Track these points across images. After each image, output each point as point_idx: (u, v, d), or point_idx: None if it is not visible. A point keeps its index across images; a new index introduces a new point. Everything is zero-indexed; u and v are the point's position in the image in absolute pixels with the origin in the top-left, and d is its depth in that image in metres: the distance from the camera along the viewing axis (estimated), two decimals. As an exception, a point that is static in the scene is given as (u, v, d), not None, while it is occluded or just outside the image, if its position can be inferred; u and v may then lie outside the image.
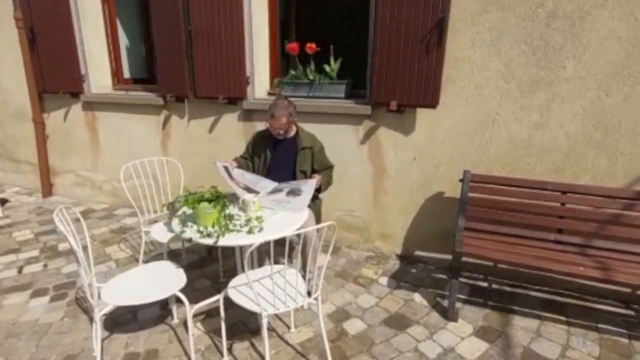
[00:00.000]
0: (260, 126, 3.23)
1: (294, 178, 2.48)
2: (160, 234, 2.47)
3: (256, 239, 1.77)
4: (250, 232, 1.82)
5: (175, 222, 1.97)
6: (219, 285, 2.65)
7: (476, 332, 2.21)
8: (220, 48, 3.08)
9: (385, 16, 2.58)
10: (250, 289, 1.85)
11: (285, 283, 1.77)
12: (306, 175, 2.50)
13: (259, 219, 1.90)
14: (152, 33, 3.30)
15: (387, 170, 2.95)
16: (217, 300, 1.92)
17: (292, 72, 3.14)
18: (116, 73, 3.96)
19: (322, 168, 2.52)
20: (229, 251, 2.98)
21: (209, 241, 1.75)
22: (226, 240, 1.75)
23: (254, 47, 3.14)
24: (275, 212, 2.01)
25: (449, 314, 2.32)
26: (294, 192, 2.20)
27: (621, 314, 2.38)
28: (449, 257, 2.87)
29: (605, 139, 2.40)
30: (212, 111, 3.39)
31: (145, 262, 2.70)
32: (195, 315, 2.33)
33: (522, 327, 2.26)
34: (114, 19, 3.87)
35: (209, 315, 2.35)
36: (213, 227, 1.82)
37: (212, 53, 3.11)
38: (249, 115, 3.27)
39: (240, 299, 1.79)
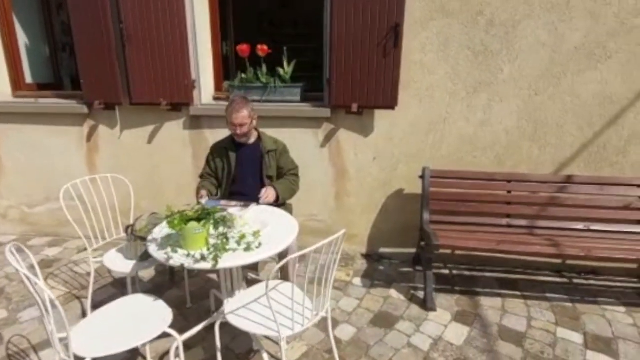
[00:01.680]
0: (211, 134, 3.01)
1: (262, 185, 2.36)
2: (116, 263, 2.14)
3: (258, 256, 1.64)
4: (248, 249, 1.67)
5: (153, 248, 1.72)
6: (187, 312, 2.39)
7: (455, 318, 2.36)
8: (160, 48, 2.78)
9: (342, 22, 2.60)
10: (251, 311, 1.71)
11: (291, 299, 1.67)
12: (273, 181, 2.40)
13: (256, 234, 1.76)
14: (73, 32, 2.83)
15: (348, 171, 2.98)
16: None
17: (243, 75, 2.98)
18: (16, 78, 3.30)
19: (287, 169, 2.45)
20: (193, 272, 2.73)
21: (205, 265, 1.57)
22: (226, 262, 1.59)
23: (199, 48, 2.90)
24: (265, 225, 1.88)
25: (427, 305, 2.44)
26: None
27: (559, 282, 2.77)
28: (411, 250, 3.04)
29: (535, 132, 2.75)
30: (152, 119, 3.04)
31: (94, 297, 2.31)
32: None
33: (489, 306, 2.48)
34: (10, 14, 3.22)
35: (186, 347, 2.11)
36: (208, 249, 1.63)
37: (151, 54, 2.79)
38: (196, 122, 3.01)
39: (245, 325, 1.64)
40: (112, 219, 2.41)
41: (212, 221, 1.69)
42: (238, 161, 2.38)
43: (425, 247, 2.54)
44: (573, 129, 2.70)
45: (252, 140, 2.40)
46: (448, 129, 2.81)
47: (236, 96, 2.35)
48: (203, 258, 1.59)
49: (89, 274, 2.80)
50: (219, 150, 2.42)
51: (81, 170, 3.20)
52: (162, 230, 1.89)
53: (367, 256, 3.11)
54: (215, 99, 3.14)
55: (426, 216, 2.67)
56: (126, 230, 2.12)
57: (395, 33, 2.57)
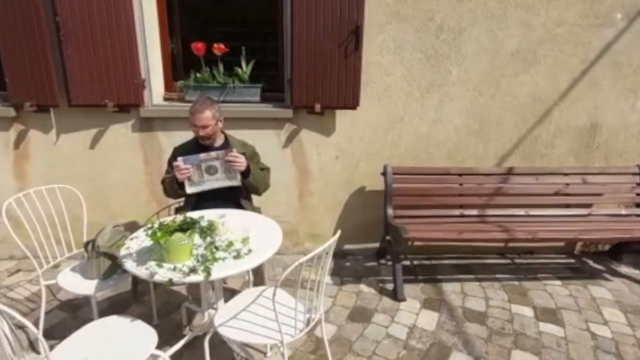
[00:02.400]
0: (165, 137, 2.82)
1: (231, 188, 2.28)
2: (74, 283, 1.91)
3: (251, 263, 1.59)
4: (238, 257, 1.61)
5: (130, 265, 1.57)
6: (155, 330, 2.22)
7: (424, 306, 2.51)
8: (105, 45, 2.53)
9: (302, 24, 2.59)
10: (242, 320, 1.65)
11: (282, 305, 1.65)
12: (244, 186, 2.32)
13: (244, 240, 1.69)
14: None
15: (311, 171, 3.00)
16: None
17: (198, 75, 2.83)
18: None
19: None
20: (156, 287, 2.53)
21: (197, 278, 1.47)
22: (219, 272, 1.51)
23: (148, 44, 2.69)
24: (248, 231, 1.82)
25: (398, 296, 2.56)
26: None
27: (504, 264, 3.08)
28: (374, 245, 3.15)
29: (480, 130, 3.02)
30: (95, 121, 2.76)
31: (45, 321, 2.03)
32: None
33: (451, 291, 2.68)
34: None
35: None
36: (198, 260, 1.53)
37: (94, 51, 2.53)
38: (148, 124, 2.79)
39: (238, 335, 1.58)
40: (61, 235, 2.15)
41: (197, 230, 1.60)
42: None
43: (393, 241, 2.66)
44: (511, 125, 3.01)
45: (218, 143, 2.29)
46: (405, 128, 2.96)
47: (201, 97, 2.23)
48: (193, 270, 1.50)
49: (29, 299, 2.48)
50: (183, 153, 2.26)
51: (7, 181, 2.80)
52: (141, 243, 1.73)
53: (333, 254, 3.15)
54: (166, 99, 2.95)
55: (390, 211, 2.79)
56: (86, 247, 1.91)
57: (356, 35, 2.63)
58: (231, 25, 3.47)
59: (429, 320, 2.37)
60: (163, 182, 2.30)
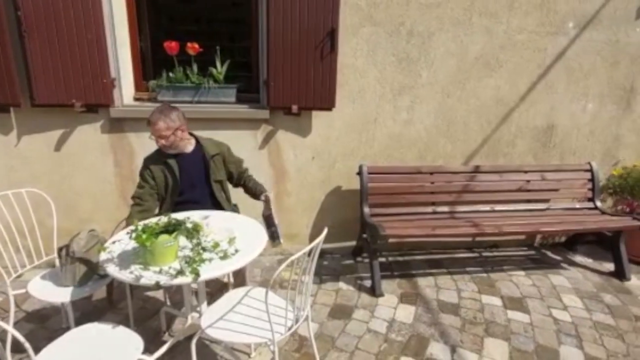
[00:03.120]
0: (137, 138, 2.74)
1: (211, 192, 2.26)
2: (46, 291, 1.82)
3: (238, 263, 1.59)
4: (225, 257, 1.61)
5: (113, 269, 1.52)
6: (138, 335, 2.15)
7: (401, 300, 2.60)
8: (72, 42, 2.42)
9: (278, 26, 2.61)
10: (229, 321, 1.65)
11: (269, 304, 1.66)
12: (222, 185, 2.31)
13: (231, 241, 1.69)
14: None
15: (288, 172, 3.02)
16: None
17: (170, 74, 2.77)
18: None
19: (237, 168, 2.36)
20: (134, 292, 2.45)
21: (185, 280, 1.46)
22: (207, 273, 1.50)
23: (117, 42, 2.61)
24: (232, 232, 1.81)
25: (376, 291, 2.63)
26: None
27: (472, 257, 3.24)
28: (351, 243, 3.22)
29: (448, 130, 3.16)
30: (61, 122, 2.62)
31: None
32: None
33: (425, 285, 2.80)
34: None
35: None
36: (187, 262, 1.51)
37: (60, 49, 2.41)
38: (118, 125, 2.70)
39: (227, 336, 1.57)
40: (29, 242, 2.04)
41: (185, 232, 1.58)
42: (182, 169, 2.18)
43: (370, 238, 2.73)
44: (476, 126, 3.18)
45: (189, 149, 2.20)
46: (378, 128, 3.05)
47: (160, 105, 2.10)
48: (180, 272, 1.48)
49: (-8, 311, 2.32)
50: (155, 162, 2.16)
51: (-40, 186, 2.59)
52: (123, 246, 1.68)
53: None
54: (137, 99, 2.86)
55: (366, 210, 2.86)
56: (59, 252, 1.83)
57: (331, 37, 2.69)
58: (201, 24, 3.42)
59: (406, 313, 2.46)
60: (133, 198, 2.13)
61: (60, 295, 1.80)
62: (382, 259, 3.15)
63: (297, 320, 1.67)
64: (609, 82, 3.17)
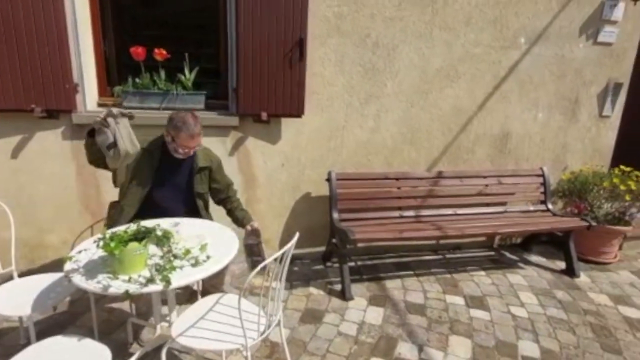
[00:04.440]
0: (101, 144, 2.65)
1: (193, 201, 2.24)
2: (4, 306, 1.73)
3: (210, 269, 1.59)
4: (196, 264, 1.60)
5: (79, 279, 1.48)
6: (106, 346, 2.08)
7: (370, 302, 2.67)
8: (32, 45, 2.34)
9: (248, 34, 2.64)
10: (201, 329, 1.64)
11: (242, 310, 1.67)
12: (203, 198, 2.29)
13: (203, 247, 1.68)
14: None
15: (258, 178, 3.03)
16: None
17: (137, 80, 2.73)
18: None
19: (225, 184, 2.36)
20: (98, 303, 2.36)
21: (156, 288, 1.44)
22: (179, 280, 1.49)
23: (81, 46, 2.54)
24: (204, 238, 1.81)
25: (346, 295, 2.69)
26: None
27: (437, 259, 3.38)
28: (320, 249, 3.27)
29: (413, 137, 3.30)
30: (18, 128, 2.51)
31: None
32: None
33: (393, 287, 2.88)
34: None
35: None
36: (157, 269, 1.50)
37: (18, 52, 2.32)
38: (81, 131, 2.60)
39: (199, 343, 1.57)
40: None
41: (155, 239, 1.56)
42: (160, 172, 2.14)
43: (339, 243, 2.79)
44: (438, 134, 3.34)
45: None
46: (347, 135, 3.14)
47: (184, 113, 2.07)
48: (151, 280, 1.46)
49: (-63, 331, 2.16)
50: (147, 153, 2.12)
51: None
52: (90, 255, 1.63)
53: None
54: (101, 105, 2.78)
55: (336, 215, 2.92)
56: (104, 121, 1.83)
57: (300, 47, 2.75)
58: (169, 29, 3.38)
59: (375, 315, 2.53)
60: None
61: (18, 308, 1.72)
62: (352, 263, 3.22)
63: (269, 326, 1.69)
64: (556, 94, 3.44)
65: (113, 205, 2.24)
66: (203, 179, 2.25)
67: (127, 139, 1.90)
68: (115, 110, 1.87)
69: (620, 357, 2.21)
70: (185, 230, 1.87)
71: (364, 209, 3.07)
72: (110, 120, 1.84)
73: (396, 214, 3.14)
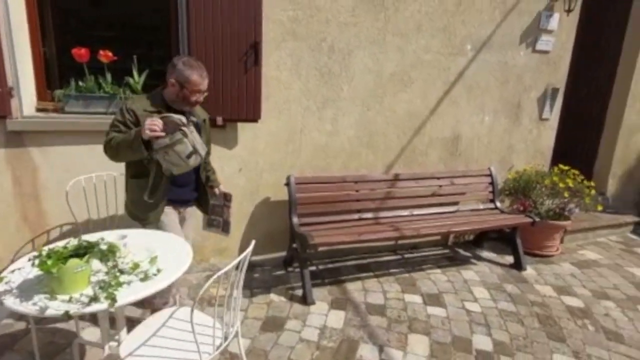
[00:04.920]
0: (40, 153, 2.48)
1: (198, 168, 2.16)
2: None
3: (160, 284, 1.52)
4: (145, 278, 1.52)
5: (12, 301, 1.36)
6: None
7: (332, 306, 2.68)
8: (-45, 45, 2.13)
9: (201, 37, 2.57)
10: (152, 347, 1.56)
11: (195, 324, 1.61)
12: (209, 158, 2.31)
13: (152, 260, 1.60)
14: None
15: (214, 185, 2.95)
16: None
17: (81, 83, 2.56)
18: None
19: (208, 145, 2.29)
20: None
21: (100, 307, 1.35)
22: (126, 297, 1.41)
23: (15, 47, 2.34)
24: (153, 251, 1.72)
25: (307, 300, 2.67)
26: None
27: (395, 259, 3.45)
28: (281, 254, 3.23)
29: (370, 141, 3.36)
30: (-59, 136, 2.27)
31: None
32: None
33: (354, 289, 2.91)
34: None
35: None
36: (101, 287, 1.40)
37: (-61, 51, 2.10)
38: (17, 138, 2.41)
39: (153, 361, 1.49)
40: None
41: (98, 255, 1.46)
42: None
43: (300, 248, 2.77)
44: (394, 137, 3.42)
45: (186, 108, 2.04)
46: (304, 139, 3.13)
47: (180, 57, 1.96)
48: (94, 299, 1.37)
49: None
50: (143, 112, 1.91)
51: None
52: (25, 275, 1.50)
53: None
54: (40, 110, 2.58)
55: (295, 220, 2.91)
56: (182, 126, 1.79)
57: (255, 50, 2.72)
58: (117, 30, 3.22)
59: (337, 319, 2.54)
60: (109, 142, 1.90)
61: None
62: (313, 267, 3.21)
63: (226, 338, 1.64)
64: (501, 99, 3.64)
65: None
66: (204, 136, 2.14)
67: (199, 143, 1.91)
68: (179, 118, 1.85)
69: (564, 344, 2.37)
70: (133, 243, 1.77)
71: (323, 212, 3.08)
72: (185, 129, 1.83)
73: (355, 216, 3.17)
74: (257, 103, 2.81)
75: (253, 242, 1.65)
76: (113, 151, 1.90)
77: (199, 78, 1.93)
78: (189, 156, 1.87)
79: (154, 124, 1.77)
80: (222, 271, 1.43)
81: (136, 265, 1.57)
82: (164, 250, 1.75)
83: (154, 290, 1.50)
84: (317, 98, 3.09)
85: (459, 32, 3.32)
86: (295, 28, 2.90)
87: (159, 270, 1.58)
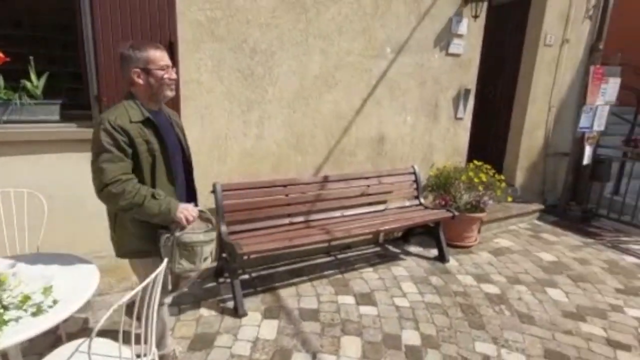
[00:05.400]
0: None
1: (190, 167, 1.97)
2: None
3: (56, 317, 1.33)
4: (38, 313, 1.32)
5: None
6: None
7: (265, 316, 2.60)
8: None
9: (108, 35, 2.35)
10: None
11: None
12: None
13: (46, 290, 1.39)
14: None
15: (130, 197, 2.71)
16: None
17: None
18: None
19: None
20: None
21: (-22, 352, 1.15)
22: (13, 337, 1.21)
23: None
24: (51, 278, 1.51)
25: (239, 312, 2.57)
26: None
27: (329, 261, 3.46)
28: (211, 265, 3.06)
29: (298, 143, 3.33)
30: None
31: None
32: None
33: (288, 295, 2.86)
34: None
35: None
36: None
37: None
38: None
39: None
40: None
41: (-24, 290, 1.24)
42: (163, 139, 1.71)
43: (229, 257, 2.65)
44: (322, 139, 3.43)
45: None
46: (230, 144, 3.01)
47: (125, 44, 1.69)
48: (-29, 343, 1.16)
49: None
50: (132, 124, 1.61)
51: None
52: None
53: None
54: None
55: (224, 228, 2.78)
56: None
57: (171, 51, 2.53)
58: (16, 29, 2.82)
59: (270, 329, 2.46)
60: (118, 190, 1.55)
61: None
62: (246, 276, 3.10)
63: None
64: (420, 99, 3.83)
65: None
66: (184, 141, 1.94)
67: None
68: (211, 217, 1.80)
69: (484, 331, 2.54)
70: (25, 272, 1.54)
71: (252, 219, 2.98)
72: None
73: (286, 220, 3.12)
74: (176, 107, 2.62)
75: (165, 261, 1.52)
76: (120, 202, 1.56)
77: (157, 50, 1.67)
78: (205, 259, 1.71)
79: (191, 213, 1.64)
80: (123, 300, 1.27)
81: (26, 298, 1.36)
82: (64, 276, 1.56)
83: (50, 326, 1.31)
84: (241, 101, 2.98)
85: (378, 35, 3.42)
86: (214, 28, 2.77)
87: (55, 302, 1.39)
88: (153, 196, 1.60)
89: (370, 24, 3.36)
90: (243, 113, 3.01)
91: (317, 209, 3.28)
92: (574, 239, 4.18)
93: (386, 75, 3.55)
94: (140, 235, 1.72)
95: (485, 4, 3.79)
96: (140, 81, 1.66)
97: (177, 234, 1.64)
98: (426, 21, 3.62)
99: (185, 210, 1.65)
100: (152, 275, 1.39)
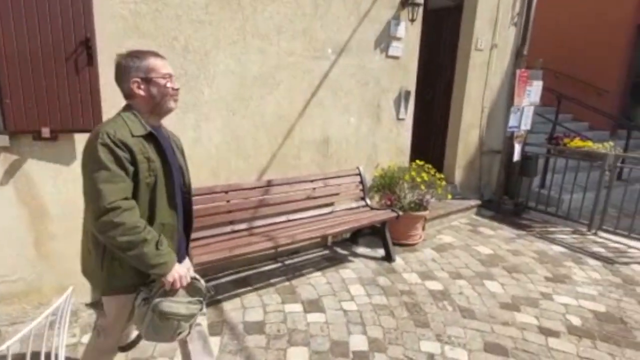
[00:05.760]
0: None
1: (189, 195, 1.75)
2: None
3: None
4: None
5: None
6: None
7: (205, 332, 2.43)
8: None
9: (8, 32, 2.07)
10: None
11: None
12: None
13: None
14: None
15: (48, 210, 2.42)
16: None
17: None
18: None
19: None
20: None
21: None
22: None
23: None
24: None
25: (176, 331, 2.37)
26: None
27: (276, 267, 3.35)
28: (144, 281, 2.82)
29: (238, 147, 3.18)
30: None
31: None
32: None
33: (231, 308, 2.71)
34: None
35: None
36: None
37: None
38: None
39: None
40: None
41: None
42: (166, 156, 1.52)
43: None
44: (264, 142, 3.31)
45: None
46: (163, 150, 2.79)
47: (122, 54, 1.52)
48: None
49: None
50: (134, 138, 1.42)
51: None
52: None
53: (94, 304, 2.62)
54: None
55: (157, 242, 2.56)
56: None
57: (87, 48, 2.29)
58: None
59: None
60: (120, 221, 1.34)
61: None
62: (184, 291, 2.89)
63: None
64: (363, 100, 3.84)
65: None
66: (184, 163, 1.76)
67: None
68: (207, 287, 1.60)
69: (429, 329, 2.57)
70: None
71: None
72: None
73: (228, 229, 2.96)
74: (97, 110, 2.39)
75: (70, 289, 1.33)
76: (119, 237, 1.35)
77: (158, 58, 1.53)
78: (180, 334, 1.48)
79: (182, 281, 1.46)
80: (14, 340, 1.08)
81: None
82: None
83: None
84: (175, 103, 2.77)
85: (319, 35, 3.37)
86: (139, 23, 2.55)
87: None
88: (157, 244, 1.42)
89: (310, 25, 3.29)
90: (177, 115, 2.80)
91: (260, 214, 3.15)
92: (508, 231, 4.43)
93: (328, 76, 3.51)
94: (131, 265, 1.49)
95: (421, 8, 3.90)
96: (141, 92, 1.50)
97: (157, 299, 1.43)
98: (366, 23, 3.64)
99: (178, 274, 1.45)
100: (60, 300, 1.20)
